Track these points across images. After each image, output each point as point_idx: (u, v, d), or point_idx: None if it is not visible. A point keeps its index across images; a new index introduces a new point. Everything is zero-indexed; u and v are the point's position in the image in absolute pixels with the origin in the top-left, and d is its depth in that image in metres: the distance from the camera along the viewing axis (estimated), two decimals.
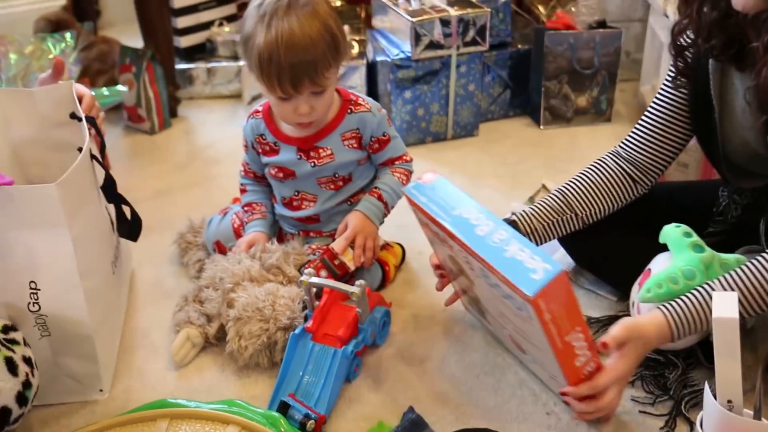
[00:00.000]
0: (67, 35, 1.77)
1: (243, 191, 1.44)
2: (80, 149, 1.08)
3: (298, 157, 1.33)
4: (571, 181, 1.27)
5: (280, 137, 1.34)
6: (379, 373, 1.21)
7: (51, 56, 1.71)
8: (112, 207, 1.23)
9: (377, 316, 1.24)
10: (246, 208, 1.42)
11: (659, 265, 1.15)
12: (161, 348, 1.30)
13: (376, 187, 1.36)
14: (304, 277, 1.20)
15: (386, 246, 1.47)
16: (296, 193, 1.37)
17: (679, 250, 1.13)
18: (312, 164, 1.32)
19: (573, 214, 1.25)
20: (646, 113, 1.26)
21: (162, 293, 1.44)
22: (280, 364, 1.17)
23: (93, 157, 1.15)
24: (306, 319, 1.21)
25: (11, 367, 0.92)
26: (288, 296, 1.22)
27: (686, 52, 1.16)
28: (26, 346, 0.97)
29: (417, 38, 1.86)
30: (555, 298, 0.94)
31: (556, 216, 1.25)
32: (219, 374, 1.23)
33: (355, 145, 1.33)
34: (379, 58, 1.96)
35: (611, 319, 1.28)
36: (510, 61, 2.05)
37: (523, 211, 1.25)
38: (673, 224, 1.16)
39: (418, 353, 1.25)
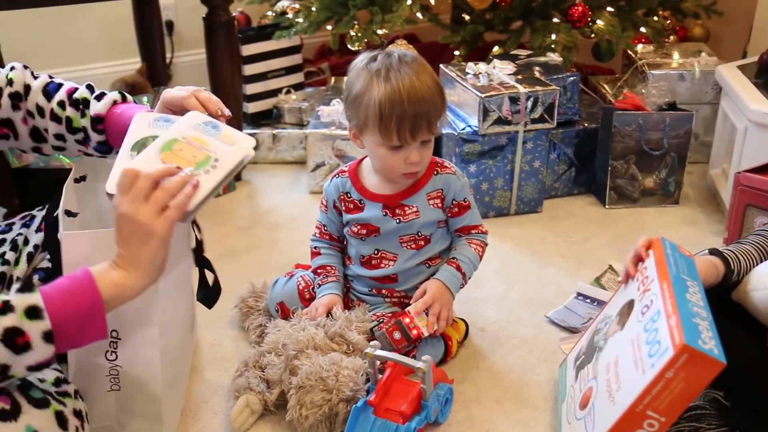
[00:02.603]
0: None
1: (316, 254, 1.46)
2: None
3: (384, 213, 1.37)
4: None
5: (365, 194, 1.38)
6: None
7: None
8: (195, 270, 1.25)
9: (441, 393, 1.23)
10: (320, 271, 1.44)
11: None
12: (220, 413, 1.30)
13: (454, 258, 1.38)
14: (369, 350, 1.20)
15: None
16: (376, 252, 1.40)
17: None
18: (397, 221, 1.36)
19: None
20: None
21: (221, 357, 1.45)
22: None
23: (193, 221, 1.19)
24: (369, 392, 1.20)
25: (61, 421, 0.93)
26: (352, 367, 1.22)
27: None
28: (77, 399, 0.98)
29: (485, 113, 1.89)
30: (691, 373, 0.95)
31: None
32: None
33: (439, 205, 1.37)
34: (445, 131, 2.00)
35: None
36: (576, 139, 2.06)
37: (730, 250, 1.24)
38: None
39: None
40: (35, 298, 0.88)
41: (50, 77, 1.24)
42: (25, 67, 1.23)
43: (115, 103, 1.20)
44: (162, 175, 0.97)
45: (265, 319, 1.48)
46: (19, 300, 0.88)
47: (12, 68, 1.22)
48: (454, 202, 1.37)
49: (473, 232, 1.40)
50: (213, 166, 1.03)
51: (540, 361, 1.42)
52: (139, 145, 1.07)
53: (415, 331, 1.31)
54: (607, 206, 2.04)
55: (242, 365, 1.34)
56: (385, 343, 1.30)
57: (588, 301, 1.58)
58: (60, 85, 1.22)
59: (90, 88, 1.23)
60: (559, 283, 1.68)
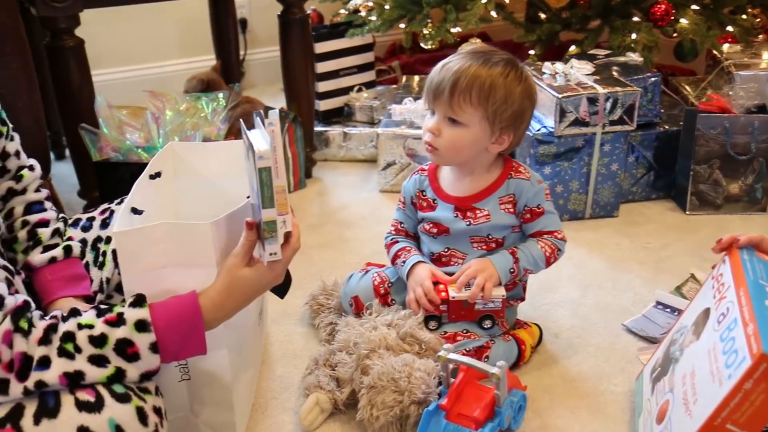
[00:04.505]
0: (220, 95, 1.87)
1: (392, 243, 1.46)
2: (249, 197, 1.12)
3: (455, 215, 1.36)
4: None
5: (440, 195, 1.39)
6: None
7: (203, 114, 1.81)
8: None
9: (514, 400, 1.21)
10: (399, 252, 1.43)
11: None
12: (289, 410, 1.31)
13: (515, 247, 1.36)
14: (442, 353, 1.19)
15: (524, 325, 1.45)
16: (446, 249, 1.39)
17: None
18: (467, 223, 1.35)
19: None
20: None
21: (291, 353, 1.46)
22: None
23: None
24: (441, 395, 1.19)
25: (141, 417, 0.95)
26: (424, 369, 1.21)
27: None
28: (158, 396, 1.00)
29: (562, 114, 1.85)
30: None
31: None
32: None
33: (510, 210, 1.35)
34: None
35: None
36: (656, 142, 2.00)
37: None
38: None
39: None
40: (144, 312, 0.97)
41: (54, 209, 1.23)
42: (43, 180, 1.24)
43: (54, 260, 1.17)
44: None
45: (336, 317, 1.48)
46: (131, 314, 0.97)
47: (32, 167, 1.21)
48: (526, 208, 1.35)
49: (546, 236, 1.37)
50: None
51: (617, 371, 1.38)
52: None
53: (443, 294, 1.32)
54: (687, 212, 1.97)
55: (312, 363, 1.35)
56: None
57: (668, 310, 1.54)
58: (43, 210, 1.21)
59: (64, 221, 1.24)
60: (637, 291, 1.63)
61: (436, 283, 1.34)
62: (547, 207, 1.36)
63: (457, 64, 1.28)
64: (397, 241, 1.46)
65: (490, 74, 1.27)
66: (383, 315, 1.35)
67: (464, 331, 1.34)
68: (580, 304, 1.60)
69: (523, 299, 1.46)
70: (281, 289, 1.20)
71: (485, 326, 1.34)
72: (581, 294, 1.63)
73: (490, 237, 1.36)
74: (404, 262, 1.40)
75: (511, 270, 1.33)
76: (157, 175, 1.26)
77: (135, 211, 1.13)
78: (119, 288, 1.22)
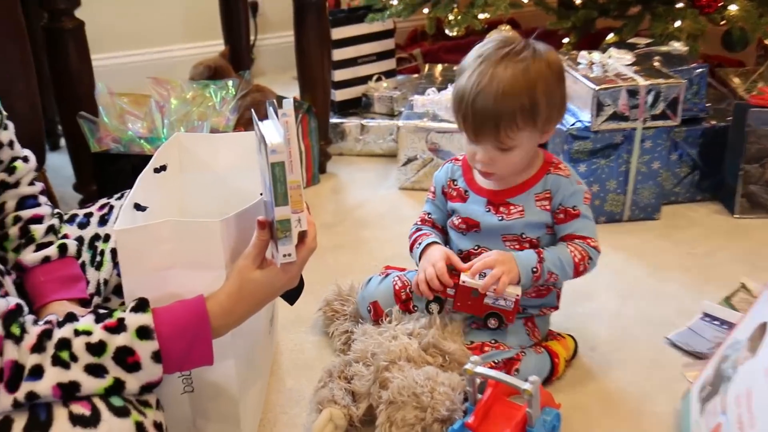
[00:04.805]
0: (230, 83, 1.85)
1: (416, 232, 1.45)
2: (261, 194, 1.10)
3: (487, 209, 1.36)
4: None
5: (472, 187, 1.39)
6: None
7: (211, 103, 1.79)
8: None
9: (547, 419, 1.18)
10: (417, 238, 1.42)
11: None
12: (300, 426, 1.29)
13: (543, 248, 1.34)
14: (468, 366, 1.16)
15: (557, 336, 1.43)
16: (476, 248, 1.38)
17: None
18: (500, 218, 1.35)
19: None
20: None
21: (302, 364, 1.45)
22: None
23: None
24: (467, 412, 1.16)
25: None
26: (449, 384, 1.19)
27: None
28: (158, 410, 0.98)
29: (599, 107, 1.83)
30: None
31: None
32: None
33: (546, 207, 1.34)
34: None
35: None
36: (702, 139, 1.97)
37: None
38: None
39: None
40: (147, 318, 0.95)
41: (49, 204, 1.22)
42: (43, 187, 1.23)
43: (47, 260, 1.15)
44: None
45: (352, 325, 1.46)
46: (133, 319, 0.94)
47: (26, 158, 1.20)
48: (560, 207, 1.33)
49: (578, 241, 1.34)
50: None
51: (659, 390, 1.35)
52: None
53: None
54: (736, 215, 1.94)
55: (326, 375, 1.32)
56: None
57: (716, 323, 1.50)
58: (37, 204, 1.19)
59: (59, 217, 1.22)
60: (681, 301, 1.60)
61: (450, 268, 1.33)
62: (584, 210, 1.34)
63: (486, 85, 1.23)
64: (420, 229, 1.45)
65: (527, 84, 1.24)
66: (404, 323, 1.33)
67: (492, 342, 1.32)
68: (619, 314, 1.58)
69: (556, 308, 1.44)
70: (292, 295, 1.18)
71: (490, 325, 1.32)
72: (620, 304, 1.61)
73: (524, 236, 1.35)
74: (419, 244, 1.40)
75: (534, 270, 1.30)
76: (162, 168, 1.24)
77: (138, 207, 1.11)
78: (118, 291, 1.21)
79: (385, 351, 1.25)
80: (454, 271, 1.32)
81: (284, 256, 1.00)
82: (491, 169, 1.31)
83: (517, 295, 1.29)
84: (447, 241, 1.44)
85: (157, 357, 0.94)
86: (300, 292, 1.21)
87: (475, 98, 1.24)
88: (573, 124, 1.88)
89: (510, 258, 1.30)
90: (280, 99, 2.19)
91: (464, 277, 1.31)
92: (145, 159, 1.22)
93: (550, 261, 1.31)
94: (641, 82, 1.83)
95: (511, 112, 1.23)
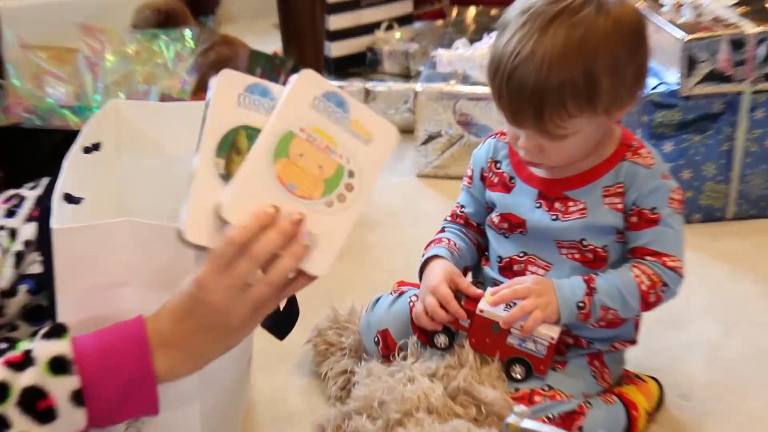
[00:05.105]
0: (187, 33, 1.84)
1: (440, 232, 1.48)
2: None
3: (537, 204, 1.36)
4: None
5: (520, 172, 1.39)
6: None
7: (161, 61, 1.78)
8: None
9: None
10: (429, 244, 1.45)
11: None
12: None
13: (596, 273, 1.33)
14: (512, 419, 1.15)
15: (635, 380, 1.43)
16: (522, 254, 1.39)
17: None
18: (553, 216, 1.35)
19: None
20: None
21: (286, 417, 1.45)
22: None
23: None
24: None
25: None
26: None
27: None
28: None
29: (691, 65, 1.84)
30: None
31: None
32: None
33: (618, 206, 1.33)
34: None
35: None
36: None
37: None
38: None
39: None
40: (63, 346, 0.92)
41: None
42: None
43: None
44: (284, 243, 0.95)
45: (353, 363, 1.46)
46: (44, 349, 0.92)
47: None
48: (634, 207, 1.31)
49: (650, 258, 1.32)
50: (348, 186, 0.96)
51: None
52: (228, 145, 0.99)
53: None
54: None
55: (318, 431, 1.33)
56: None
57: None
58: None
59: None
60: None
61: (459, 293, 1.34)
62: (666, 216, 1.32)
63: (527, 56, 1.22)
64: (443, 230, 1.47)
65: (583, 56, 1.21)
66: (424, 360, 1.34)
67: (545, 388, 1.31)
68: (722, 348, 1.58)
69: (634, 341, 1.42)
70: (282, 325, 1.19)
71: (513, 374, 1.32)
72: (723, 333, 1.62)
73: (585, 243, 1.34)
74: (423, 256, 1.42)
75: (580, 305, 1.29)
76: (95, 147, 1.24)
77: (70, 198, 1.11)
78: (31, 315, 1.20)
79: (397, 399, 1.25)
80: (468, 297, 1.33)
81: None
82: (539, 159, 1.32)
83: (552, 338, 1.28)
84: (486, 246, 1.45)
85: (78, 398, 0.91)
86: (293, 322, 1.22)
87: (512, 73, 1.23)
88: (655, 88, 1.89)
89: (548, 288, 1.30)
90: (257, 55, 2.18)
91: (483, 305, 1.31)
92: (70, 136, 1.22)
93: (605, 292, 1.30)
94: (750, 28, 1.84)
95: (557, 94, 1.22)
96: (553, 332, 1.28)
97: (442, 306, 1.32)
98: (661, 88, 1.88)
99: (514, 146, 1.35)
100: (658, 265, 1.31)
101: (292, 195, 0.94)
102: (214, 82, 1.00)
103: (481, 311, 1.30)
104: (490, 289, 1.33)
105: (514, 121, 1.29)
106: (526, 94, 1.23)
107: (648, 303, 1.31)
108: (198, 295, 0.95)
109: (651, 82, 1.90)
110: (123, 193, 1.34)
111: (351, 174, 0.95)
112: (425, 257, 1.40)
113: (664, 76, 1.90)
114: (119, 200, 1.33)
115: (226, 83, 0.99)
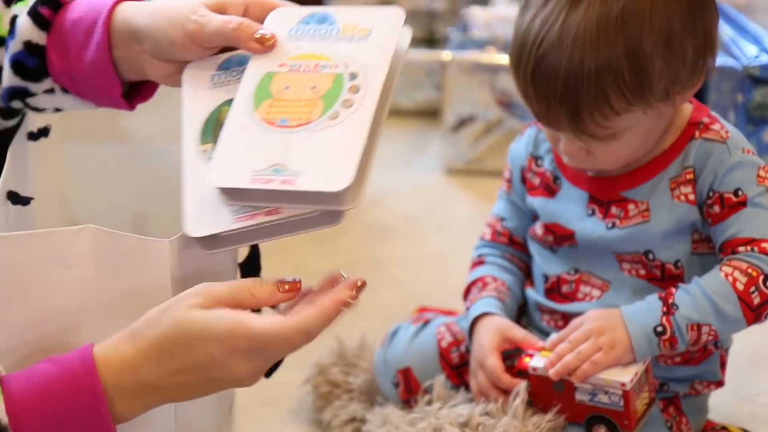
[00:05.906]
0: None
1: (477, 264, 1.50)
2: None
3: (589, 211, 1.38)
4: None
5: (566, 172, 1.41)
6: None
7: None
8: None
9: None
10: (473, 285, 1.47)
11: None
12: None
13: (677, 286, 1.32)
14: None
15: (720, 431, 1.45)
16: (573, 272, 1.41)
17: None
18: (609, 225, 1.36)
19: None
20: None
21: None
22: None
23: None
24: None
25: None
26: None
27: None
28: None
29: None
30: None
31: None
32: None
33: (691, 197, 1.33)
34: (716, 62, 1.96)
35: None
36: None
37: None
38: None
39: None
40: None
41: None
42: None
43: (60, 4, 1.14)
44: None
45: (363, 409, 1.49)
46: None
47: None
48: (711, 193, 1.31)
49: (744, 249, 1.31)
50: (352, 89, 1.01)
51: None
52: (212, 127, 1.05)
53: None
54: None
55: None
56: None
57: None
58: None
59: None
60: None
61: (517, 352, 1.36)
62: (754, 195, 1.30)
63: (555, 41, 1.24)
64: (483, 261, 1.49)
65: (624, 34, 1.23)
66: (455, 404, 1.36)
67: None
68: None
69: (720, 383, 1.43)
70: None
71: None
72: None
73: (652, 257, 1.35)
74: (468, 309, 1.44)
75: (659, 330, 1.29)
76: (42, 133, 1.26)
77: (16, 198, 1.14)
78: None
79: None
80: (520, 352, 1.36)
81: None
82: (587, 164, 1.34)
83: (623, 384, 1.27)
84: (528, 264, 1.48)
85: None
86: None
87: (537, 64, 1.25)
88: (756, 57, 1.91)
89: (615, 321, 1.30)
90: None
91: (536, 361, 1.33)
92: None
93: (690, 305, 1.28)
94: None
95: (595, 85, 1.23)
96: (624, 375, 1.26)
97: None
98: (763, 59, 1.89)
99: (555, 149, 1.38)
100: (755, 254, 1.29)
101: (286, 129, 1.00)
102: (183, 76, 1.09)
103: (535, 369, 1.31)
104: (553, 336, 1.33)
105: (547, 123, 1.31)
106: (556, 89, 1.24)
107: (753, 307, 1.27)
108: (217, 353, 0.96)
109: (748, 50, 1.91)
110: (71, 191, 1.35)
111: (353, 76, 1.01)
112: (473, 315, 1.41)
113: (764, 41, 1.92)
114: (67, 199, 1.35)
115: (195, 71, 1.09)
